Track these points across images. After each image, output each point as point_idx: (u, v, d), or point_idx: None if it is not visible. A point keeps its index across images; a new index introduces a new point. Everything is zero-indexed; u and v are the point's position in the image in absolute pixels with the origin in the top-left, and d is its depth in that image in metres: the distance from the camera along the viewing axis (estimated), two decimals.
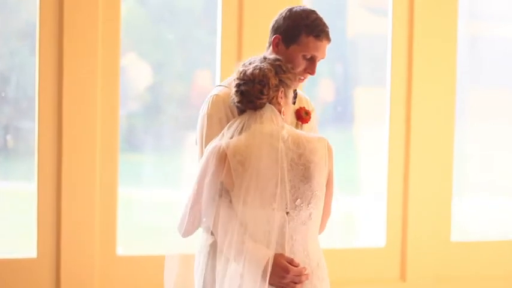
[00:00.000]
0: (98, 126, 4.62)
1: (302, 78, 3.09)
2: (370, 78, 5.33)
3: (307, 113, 3.18)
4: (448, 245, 5.27)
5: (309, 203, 2.86)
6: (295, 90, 3.15)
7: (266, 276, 2.81)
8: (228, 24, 4.81)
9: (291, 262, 2.84)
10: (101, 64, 4.62)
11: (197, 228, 2.91)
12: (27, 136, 4.70)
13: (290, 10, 3.10)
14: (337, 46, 5.28)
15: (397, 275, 5.22)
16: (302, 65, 3.06)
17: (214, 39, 4.83)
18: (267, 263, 2.81)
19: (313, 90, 5.21)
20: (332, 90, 5.30)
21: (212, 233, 2.91)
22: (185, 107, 5.02)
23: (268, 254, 2.81)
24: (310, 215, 2.87)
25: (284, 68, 2.93)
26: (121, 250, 4.74)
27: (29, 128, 4.66)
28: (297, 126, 3.14)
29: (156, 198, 5.00)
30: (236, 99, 2.92)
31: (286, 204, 2.83)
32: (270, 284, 2.82)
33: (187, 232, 2.89)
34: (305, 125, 3.18)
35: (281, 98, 2.92)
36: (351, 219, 5.42)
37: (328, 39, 3.09)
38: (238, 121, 2.92)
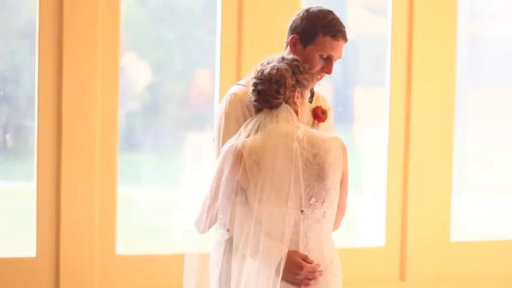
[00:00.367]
0: (97, 126, 4.62)
1: (319, 77, 3.14)
2: (370, 78, 5.33)
3: (324, 112, 3.22)
4: (447, 245, 5.27)
5: (323, 202, 2.91)
6: (312, 89, 3.18)
7: (280, 272, 2.87)
8: (227, 24, 4.81)
9: (305, 259, 2.90)
10: (101, 64, 4.62)
11: (213, 225, 2.97)
12: (27, 135, 4.70)
13: (307, 10, 3.16)
14: None
15: (396, 274, 5.22)
16: (319, 64, 3.11)
17: (213, 39, 4.83)
18: (282, 259, 2.87)
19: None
20: (332, 90, 5.30)
21: (228, 229, 2.97)
22: (185, 106, 5.02)
23: (283, 251, 2.87)
24: (324, 213, 2.92)
25: (301, 69, 2.98)
26: (120, 250, 4.74)
27: (29, 128, 4.67)
28: (313, 125, 3.19)
29: (155, 198, 5.01)
30: (253, 98, 2.97)
31: (301, 203, 2.89)
32: (284, 280, 2.88)
33: (205, 229, 2.96)
34: (321, 124, 3.22)
35: (297, 98, 2.97)
36: (350, 218, 5.41)
37: (345, 38, 3.14)
38: (254, 120, 2.97)
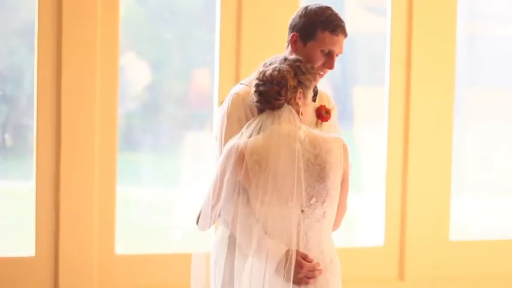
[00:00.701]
0: (96, 125, 4.63)
1: (322, 73, 3.15)
2: (369, 77, 5.33)
3: (328, 112, 3.23)
4: (446, 244, 5.27)
5: (323, 202, 2.93)
6: (315, 88, 3.19)
7: (281, 271, 2.90)
8: (226, 23, 4.81)
9: (305, 258, 2.92)
10: (100, 63, 4.62)
11: (215, 223, 3.00)
12: (26, 135, 4.70)
13: (306, 8, 3.18)
14: None
15: (395, 274, 5.22)
16: (321, 60, 3.12)
17: (212, 38, 4.83)
18: (282, 258, 2.89)
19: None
20: (331, 89, 5.30)
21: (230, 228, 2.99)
22: (184, 106, 5.02)
23: (284, 250, 2.89)
24: (324, 213, 2.94)
25: (304, 69, 2.99)
26: (119, 249, 4.74)
27: (28, 127, 4.67)
28: (316, 125, 3.20)
29: (154, 197, 5.01)
30: (255, 99, 2.99)
31: (302, 203, 2.91)
32: (284, 279, 2.90)
33: (207, 227, 2.98)
34: (325, 123, 3.23)
35: (299, 98, 2.98)
36: (349, 218, 5.41)
37: (345, 33, 3.15)
38: (256, 121, 2.98)
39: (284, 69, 2.96)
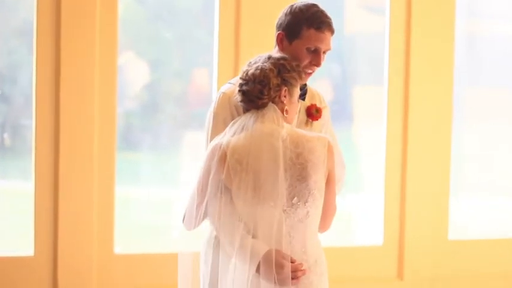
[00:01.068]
0: (95, 125, 4.62)
1: (310, 71, 3.13)
2: (368, 76, 5.33)
3: (318, 111, 3.21)
4: (445, 244, 5.27)
5: (305, 202, 2.90)
6: (305, 86, 3.18)
7: (260, 271, 2.87)
8: (225, 22, 4.81)
9: (286, 258, 2.88)
10: (99, 62, 4.62)
11: (202, 222, 2.98)
12: (25, 134, 4.70)
13: (291, 6, 3.16)
14: (335, 45, 5.26)
15: (394, 273, 5.22)
16: (307, 58, 3.10)
17: (211, 37, 4.83)
18: (262, 258, 2.86)
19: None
20: (330, 89, 5.30)
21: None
22: (183, 105, 5.02)
23: (264, 250, 2.86)
24: (307, 213, 2.91)
25: (288, 67, 2.97)
26: (118, 248, 4.74)
27: (26, 126, 4.66)
28: (306, 124, 3.19)
29: (153, 197, 5.00)
30: (239, 99, 2.98)
31: (283, 202, 2.88)
32: (266, 279, 2.87)
33: (193, 227, 2.96)
34: (316, 123, 3.22)
35: (284, 96, 2.96)
36: (348, 217, 5.42)
37: (331, 30, 3.13)
38: (240, 120, 2.97)
39: (266, 67, 2.94)
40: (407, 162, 5.17)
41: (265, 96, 2.93)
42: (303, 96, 3.18)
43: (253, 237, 2.89)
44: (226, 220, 2.90)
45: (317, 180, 2.91)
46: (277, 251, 2.88)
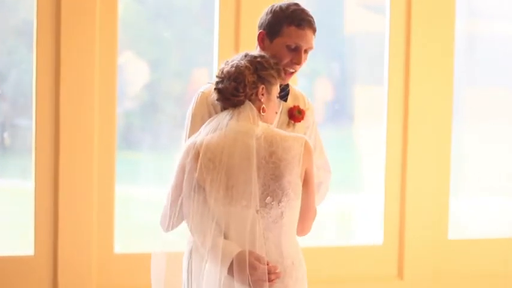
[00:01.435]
0: (95, 124, 4.63)
1: (292, 70, 3.10)
2: (368, 76, 5.33)
3: (301, 112, 3.17)
4: (445, 243, 5.27)
5: (279, 202, 2.83)
6: (287, 87, 3.15)
7: (232, 272, 2.81)
8: (225, 22, 4.81)
9: (259, 260, 2.82)
10: (98, 62, 4.62)
11: (180, 223, 2.92)
12: (25, 134, 4.70)
13: (272, 6, 3.14)
14: (335, 44, 5.28)
15: (394, 272, 5.22)
16: (287, 56, 3.07)
17: (211, 37, 4.83)
18: (234, 259, 2.80)
19: (311, 88, 5.21)
20: (330, 89, 5.30)
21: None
22: (182, 105, 5.02)
23: (236, 251, 2.81)
24: (282, 213, 2.84)
25: (266, 65, 2.92)
26: (118, 248, 4.74)
27: (26, 126, 4.67)
28: (288, 125, 3.15)
29: (153, 196, 5.00)
30: (215, 97, 2.94)
31: (256, 202, 2.82)
32: (239, 281, 2.81)
33: (170, 227, 2.90)
34: (299, 124, 3.18)
35: (262, 94, 2.91)
36: (348, 217, 5.42)
37: (312, 28, 3.10)
38: (215, 118, 2.92)
39: (242, 65, 2.90)
40: (407, 162, 5.17)
41: (241, 94, 2.88)
42: (284, 97, 3.15)
43: (226, 237, 2.83)
44: (199, 220, 2.84)
45: (291, 180, 2.84)
46: (251, 252, 2.81)
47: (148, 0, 5.03)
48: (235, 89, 2.88)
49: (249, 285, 2.81)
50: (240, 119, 2.87)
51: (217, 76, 2.94)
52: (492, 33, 5.57)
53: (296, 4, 3.12)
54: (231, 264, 2.81)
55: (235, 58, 2.94)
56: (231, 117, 2.88)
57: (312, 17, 3.11)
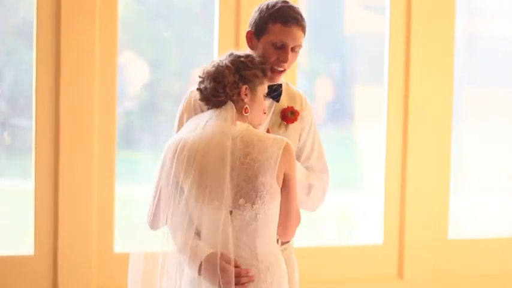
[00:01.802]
0: (95, 124, 4.63)
1: (280, 69, 3.05)
2: (368, 76, 5.33)
3: (294, 113, 3.13)
4: (445, 243, 5.27)
5: (253, 204, 2.77)
6: (280, 86, 3.11)
7: (203, 274, 2.77)
8: (225, 22, 4.81)
9: (230, 262, 2.77)
10: (98, 62, 4.62)
11: (162, 224, 2.88)
12: (24, 133, 4.70)
13: (261, 4, 3.10)
14: (335, 44, 5.28)
15: (394, 272, 5.22)
16: (274, 54, 3.02)
17: (211, 37, 4.83)
18: (205, 260, 2.76)
19: (311, 88, 5.22)
20: (330, 88, 5.30)
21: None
22: None
23: (207, 252, 2.77)
24: (256, 215, 2.78)
25: (249, 64, 2.87)
26: (118, 247, 4.74)
27: (26, 126, 4.67)
28: (280, 126, 3.11)
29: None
30: (198, 97, 2.91)
31: (229, 203, 2.77)
32: (209, 283, 2.77)
33: (156, 225, 2.87)
34: (291, 125, 3.13)
35: (245, 95, 2.86)
36: (348, 216, 5.42)
37: (299, 25, 3.03)
38: (196, 118, 2.90)
39: (223, 64, 2.85)
40: (407, 162, 5.17)
41: (221, 94, 2.84)
42: (277, 97, 3.10)
43: (201, 238, 2.79)
44: (174, 218, 2.80)
45: (265, 182, 2.77)
46: (222, 254, 2.76)
47: (148, 0, 5.03)
48: (215, 89, 2.84)
49: (219, 287, 2.76)
50: (218, 119, 2.83)
51: (199, 76, 2.90)
52: (492, 33, 5.57)
53: (284, 1, 3.06)
54: (201, 265, 2.76)
55: (221, 58, 2.90)
56: (211, 117, 2.84)
57: (300, 14, 3.05)
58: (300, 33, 3.03)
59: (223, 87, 2.84)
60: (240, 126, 2.83)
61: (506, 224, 5.61)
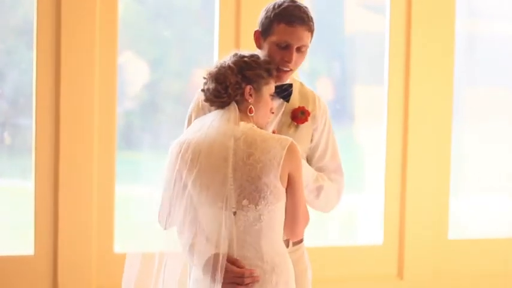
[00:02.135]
0: (95, 124, 4.63)
1: (286, 69, 3.02)
2: (368, 76, 5.33)
3: (304, 113, 3.10)
4: (445, 243, 5.27)
5: (256, 204, 2.76)
6: (290, 86, 3.08)
7: (206, 274, 2.77)
8: (225, 22, 4.81)
9: (234, 262, 2.77)
10: (98, 62, 4.62)
11: (171, 224, 2.88)
12: (25, 133, 4.70)
13: (268, 4, 3.07)
14: (335, 44, 5.28)
15: (394, 272, 5.22)
16: (278, 54, 2.99)
17: (211, 37, 4.83)
18: (209, 261, 2.76)
19: (311, 88, 5.20)
20: (330, 88, 5.30)
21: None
22: (182, 105, 5.02)
23: (211, 252, 2.77)
24: (260, 216, 2.77)
25: (253, 64, 2.85)
26: (118, 248, 4.74)
27: (26, 125, 4.67)
28: (290, 126, 3.08)
29: (153, 196, 4.99)
30: (203, 98, 2.90)
31: (232, 204, 2.76)
32: (212, 282, 2.76)
33: (168, 224, 2.86)
34: (302, 126, 3.10)
35: (250, 95, 2.84)
36: (349, 217, 5.42)
37: (305, 25, 2.99)
38: (201, 119, 2.89)
39: (225, 65, 2.84)
40: (407, 162, 5.17)
41: (224, 95, 2.82)
42: (287, 97, 3.08)
43: (206, 238, 2.79)
44: (180, 218, 2.80)
45: (268, 182, 2.75)
46: (224, 255, 2.76)
47: (148, 0, 5.03)
48: (217, 90, 2.83)
49: (223, 287, 2.75)
50: (222, 120, 2.82)
51: (203, 77, 2.89)
52: (492, 33, 5.57)
53: (292, 1, 3.03)
54: (204, 265, 2.77)
55: (225, 58, 2.88)
56: (215, 118, 2.83)
57: (306, 14, 3.01)
58: (305, 33, 3.00)
59: (225, 88, 2.82)
60: (244, 126, 2.81)
61: (506, 224, 5.61)
